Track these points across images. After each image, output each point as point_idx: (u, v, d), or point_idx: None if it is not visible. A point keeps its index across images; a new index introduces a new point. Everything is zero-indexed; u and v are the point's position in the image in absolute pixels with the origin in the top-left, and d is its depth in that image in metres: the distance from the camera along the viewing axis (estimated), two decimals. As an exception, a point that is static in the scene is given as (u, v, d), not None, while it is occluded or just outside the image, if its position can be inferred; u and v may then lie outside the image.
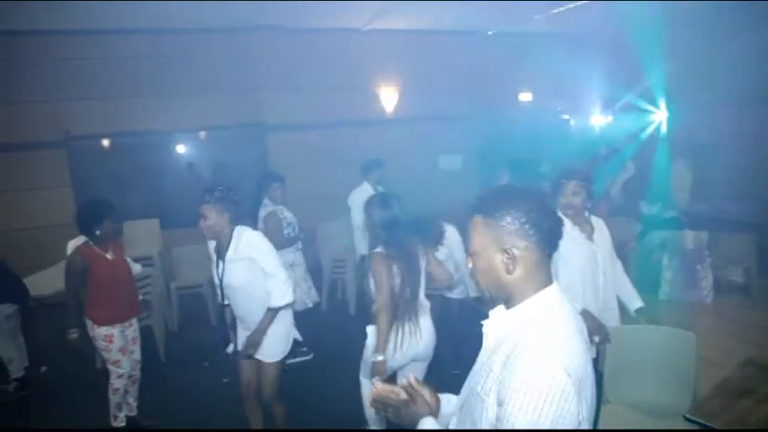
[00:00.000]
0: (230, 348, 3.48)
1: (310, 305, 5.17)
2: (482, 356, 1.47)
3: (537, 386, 1.22)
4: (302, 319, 5.01)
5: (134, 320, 4.01)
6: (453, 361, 4.28)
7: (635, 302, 3.30)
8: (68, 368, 5.12)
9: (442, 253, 4.08)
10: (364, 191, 5.26)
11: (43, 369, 5.11)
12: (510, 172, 4.53)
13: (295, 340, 3.53)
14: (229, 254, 3.17)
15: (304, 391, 4.34)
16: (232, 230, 3.22)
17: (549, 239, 1.41)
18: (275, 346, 3.31)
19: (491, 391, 1.33)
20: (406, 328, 3.13)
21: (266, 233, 4.03)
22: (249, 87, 7.85)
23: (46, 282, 5.09)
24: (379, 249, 3.09)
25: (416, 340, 3.16)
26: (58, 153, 7.25)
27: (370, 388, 3.43)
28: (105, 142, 7.65)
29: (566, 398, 1.21)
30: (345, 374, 3.82)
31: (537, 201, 1.43)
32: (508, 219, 1.39)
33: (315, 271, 6.32)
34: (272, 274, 3.16)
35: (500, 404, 1.28)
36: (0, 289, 4.59)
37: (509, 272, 1.39)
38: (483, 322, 1.49)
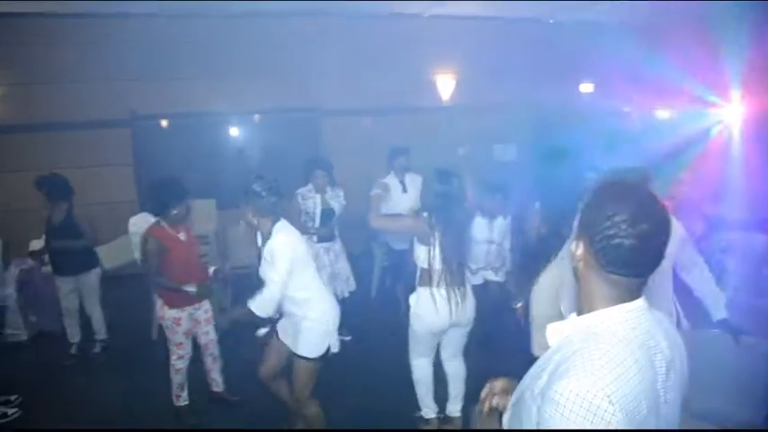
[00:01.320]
0: (261, 332, 3.48)
1: (346, 294, 5.03)
2: (540, 359, 1.35)
3: (573, 410, 1.10)
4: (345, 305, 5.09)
5: (205, 302, 4.00)
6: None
7: (718, 312, 3.01)
8: (131, 340, 5.33)
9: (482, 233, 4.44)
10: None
11: (99, 338, 5.27)
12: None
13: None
14: (264, 249, 3.17)
15: (352, 379, 4.36)
16: (273, 224, 3.18)
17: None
18: (307, 340, 3.18)
19: (537, 399, 1.22)
20: (453, 294, 3.33)
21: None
22: (306, 72, 7.88)
23: (106, 256, 5.25)
24: (425, 215, 3.32)
25: (462, 307, 3.37)
26: (123, 132, 7.49)
27: (425, 369, 3.56)
28: (167, 122, 7.86)
29: (605, 427, 1.08)
30: (392, 360, 3.81)
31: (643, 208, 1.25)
32: (608, 220, 1.21)
33: (366, 258, 6.33)
34: (267, 281, 3.08)
35: (539, 416, 1.19)
36: (89, 255, 4.88)
37: (582, 273, 1.29)
38: (549, 324, 1.38)
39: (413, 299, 3.42)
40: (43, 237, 4.96)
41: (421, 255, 3.34)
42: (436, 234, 3.28)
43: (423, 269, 3.37)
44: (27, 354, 5.37)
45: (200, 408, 4.03)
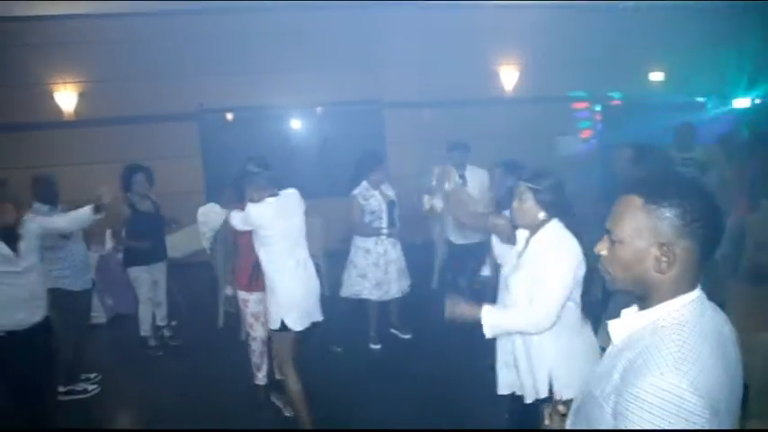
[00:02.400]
0: None
1: (398, 295, 4.95)
2: (605, 358, 1.32)
3: (662, 407, 1.07)
4: (405, 301, 5.10)
5: None
6: None
7: None
8: (198, 326, 5.57)
9: None
10: None
11: (174, 323, 5.54)
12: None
13: None
14: None
15: (408, 373, 4.41)
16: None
17: (712, 245, 1.22)
18: (269, 311, 3.51)
19: (610, 399, 1.19)
20: None
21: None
22: (368, 63, 7.91)
23: (175, 245, 5.46)
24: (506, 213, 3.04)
25: None
26: (191, 125, 7.78)
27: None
28: (233, 116, 8.10)
29: (695, 421, 1.05)
30: (451, 355, 3.77)
31: (710, 197, 1.23)
32: (677, 211, 1.18)
33: (426, 251, 6.32)
34: None
35: (615, 417, 1.15)
36: (161, 245, 5.14)
37: (661, 271, 1.21)
38: (609, 321, 1.34)
39: None
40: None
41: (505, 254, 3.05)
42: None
43: None
44: (105, 335, 5.70)
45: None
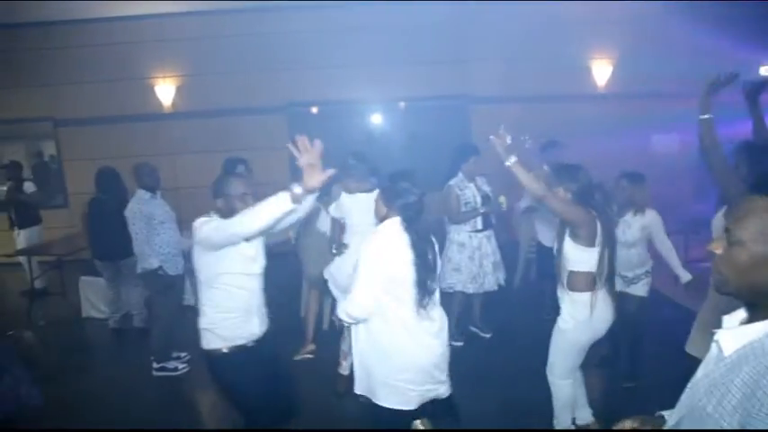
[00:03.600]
0: None
1: (494, 287, 4.87)
2: (713, 372, 1.21)
3: None
4: (490, 299, 5.02)
5: None
6: (627, 372, 3.99)
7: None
8: (282, 313, 5.65)
9: (631, 235, 3.79)
10: None
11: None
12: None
13: None
14: None
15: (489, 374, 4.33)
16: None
17: None
18: None
19: (733, 417, 1.09)
20: (604, 297, 3.00)
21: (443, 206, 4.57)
22: (454, 58, 7.82)
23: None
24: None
25: (608, 313, 3.03)
26: (279, 118, 8.00)
27: (570, 389, 3.21)
28: (320, 109, 8.27)
29: None
30: (524, 362, 3.67)
31: None
32: None
33: (509, 248, 6.16)
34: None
35: None
36: None
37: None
38: (716, 331, 1.23)
39: (572, 307, 3.00)
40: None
41: (582, 256, 2.95)
42: (599, 233, 2.94)
43: (581, 273, 2.97)
44: (195, 316, 5.94)
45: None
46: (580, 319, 2.97)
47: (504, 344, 4.85)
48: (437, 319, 2.70)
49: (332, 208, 4.10)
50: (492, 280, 4.82)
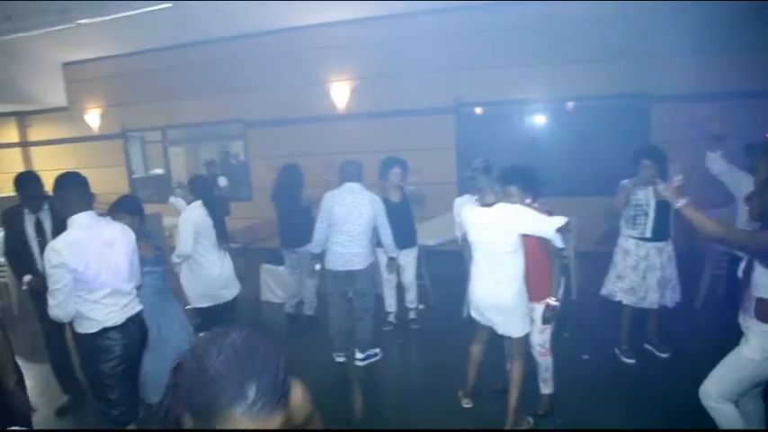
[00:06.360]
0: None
1: (655, 306, 4.43)
2: None
3: None
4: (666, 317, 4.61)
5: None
6: None
7: None
8: (443, 313, 5.79)
9: None
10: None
11: (421, 306, 5.78)
12: None
13: None
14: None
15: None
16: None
17: None
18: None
19: None
20: None
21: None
22: (632, 54, 7.22)
23: (428, 233, 5.69)
24: None
25: None
26: (447, 118, 8.08)
27: (730, 413, 2.81)
28: (488, 109, 8.20)
29: None
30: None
31: None
32: None
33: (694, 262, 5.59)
34: None
35: None
36: (412, 232, 5.39)
37: None
38: None
39: (763, 339, 2.66)
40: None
41: None
42: None
43: None
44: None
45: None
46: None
47: (683, 366, 4.26)
48: None
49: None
50: (654, 297, 4.37)
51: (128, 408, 3.06)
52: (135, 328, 3.11)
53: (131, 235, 3.15)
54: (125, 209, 3.49)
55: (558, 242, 3.25)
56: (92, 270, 2.83)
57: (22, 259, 4.01)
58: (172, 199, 6.30)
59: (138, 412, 3.19)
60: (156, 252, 3.58)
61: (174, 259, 4.38)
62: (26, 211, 3.99)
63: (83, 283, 2.83)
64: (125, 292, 3.06)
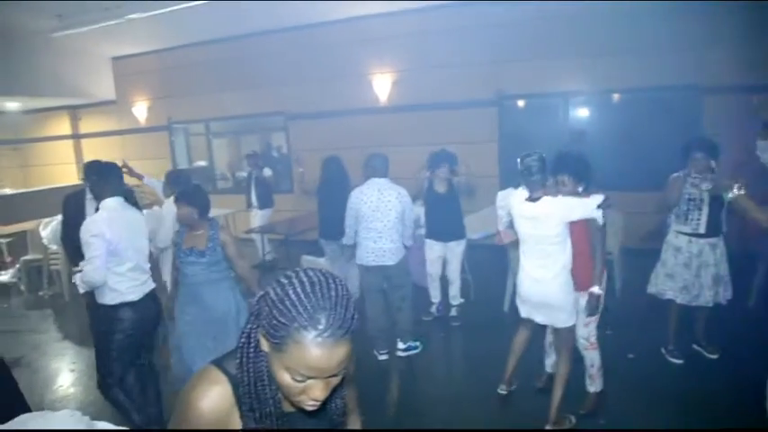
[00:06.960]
0: None
1: (710, 304, 4.27)
2: None
3: None
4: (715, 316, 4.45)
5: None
6: None
7: None
8: (485, 308, 5.77)
9: None
10: None
11: (462, 301, 5.70)
12: None
13: None
14: None
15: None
16: None
17: None
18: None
19: None
20: None
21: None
22: (682, 45, 6.95)
23: (471, 226, 5.65)
24: None
25: None
26: (490, 111, 7.99)
27: None
28: (531, 101, 8.09)
29: None
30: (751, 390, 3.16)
31: None
32: None
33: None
34: None
35: None
36: (460, 225, 5.37)
37: None
38: None
39: None
40: (419, 203, 5.57)
41: None
42: None
43: None
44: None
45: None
46: None
47: (733, 368, 4.15)
48: None
49: None
50: (709, 295, 4.22)
51: (118, 379, 3.48)
52: (149, 303, 3.52)
53: (144, 225, 3.56)
54: (187, 199, 3.51)
55: (599, 219, 3.24)
56: (122, 244, 3.29)
57: (80, 245, 4.08)
58: (145, 180, 5.60)
59: (126, 385, 3.52)
60: (207, 244, 3.53)
61: (153, 250, 4.22)
62: (89, 197, 4.05)
63: (113, 255, 3.26)
64: (144, 269, 3.52)
